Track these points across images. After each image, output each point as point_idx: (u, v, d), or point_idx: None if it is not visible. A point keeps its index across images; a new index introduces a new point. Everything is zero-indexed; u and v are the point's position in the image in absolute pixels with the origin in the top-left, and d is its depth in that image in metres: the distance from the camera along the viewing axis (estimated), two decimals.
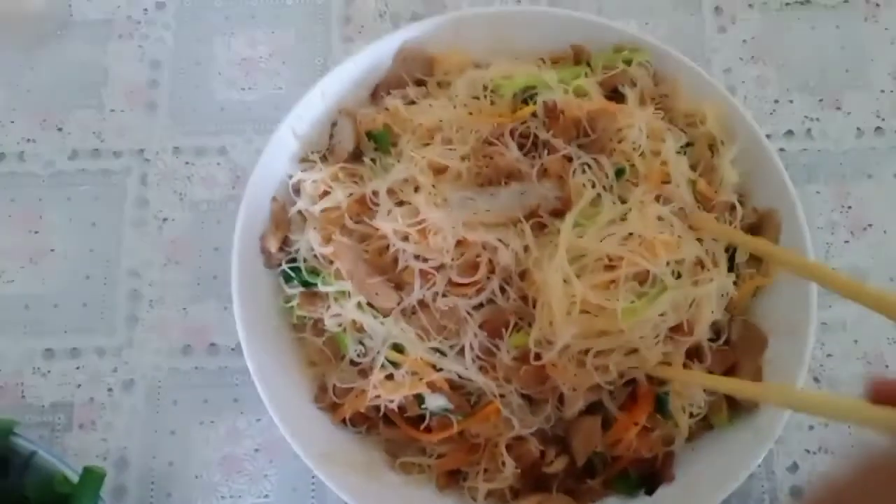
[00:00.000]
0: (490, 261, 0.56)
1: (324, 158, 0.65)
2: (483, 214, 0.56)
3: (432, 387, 0.57)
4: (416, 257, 0.58)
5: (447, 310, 0.57)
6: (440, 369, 0.58)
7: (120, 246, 0.72)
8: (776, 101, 0.76)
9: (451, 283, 0.57)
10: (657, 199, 0.59)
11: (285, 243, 0.64)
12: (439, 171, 0.60)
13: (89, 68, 0.77)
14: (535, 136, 0.59)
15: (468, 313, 0.57)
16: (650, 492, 0.59)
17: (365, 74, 0.68)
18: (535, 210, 0.56)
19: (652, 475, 0.59)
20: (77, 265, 0.71)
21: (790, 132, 0.75)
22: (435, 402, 0.58)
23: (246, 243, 0.63)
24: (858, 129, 0.75)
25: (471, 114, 0.63)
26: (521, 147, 0.60)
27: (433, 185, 0.59)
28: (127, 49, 0.78)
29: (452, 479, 0.60)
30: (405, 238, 0.58)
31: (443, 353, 0.58)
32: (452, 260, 0.57)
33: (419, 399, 0.58)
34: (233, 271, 0.61)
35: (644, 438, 0.59)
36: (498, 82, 0.64)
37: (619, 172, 0.59)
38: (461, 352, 0.57)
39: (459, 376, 0.58)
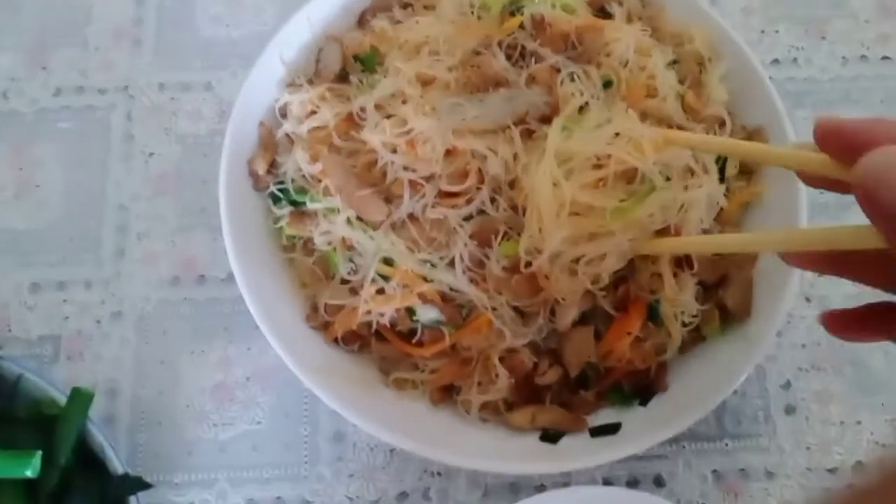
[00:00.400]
0: (479, 170, 0.56)
1: (310, 83, 0.65)
2: (472, 121, 0.56)
3: (423, 298, 0.57)
4: (405, 168, 0.57)
5: (437, 221, 0.57)
6: (431, 281, 0.57)
7: (106, 180, 0.71)
8: (762, 32, 0.77)
9: (440, 193, 0.57)
10: (642, 117, 0.59)
11: (273, 166, 0.64)
12: (427, 82, 0.60)
13: (73, 7, 0.77)
14: (523, 48, 0.59)
15: (458, 224, 0.57)
16: (644, 402, 0.59)
17: (350, 1, 0.67)
18: (524, 116, 0.56)
19: (645, 386, 0.59)
20: (63, 200, 0.70)
21: (776, 61, 0.76)
22: (426, 314, 0.58)
23: (234, 167, 0.62)
24: (844, 57, 0.76)
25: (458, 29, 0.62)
26: (508, 58, 0.60)
27: (421, 96, 0.58)
28: None
29: (446, 393, 0.60)
30: (394, 150, 0.58)
31: (433, 265, 0.58)
32: (441, 170, 0.56)
33: (410, 312, 0.58)
34: (220, 194, 0.60)
35: (637, 349, 0.59)
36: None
37: (607, 84, 0.59)
38: (452, 263, 0.57)
39: (451, 288, 0.58)
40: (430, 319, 0.58)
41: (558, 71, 0.59)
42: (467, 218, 0.58)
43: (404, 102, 0.59)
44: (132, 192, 0.71)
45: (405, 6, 0.67)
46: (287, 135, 0.64)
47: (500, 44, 0.60)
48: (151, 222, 0.70)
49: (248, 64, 0.73)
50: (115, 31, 0.76)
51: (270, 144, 0.64)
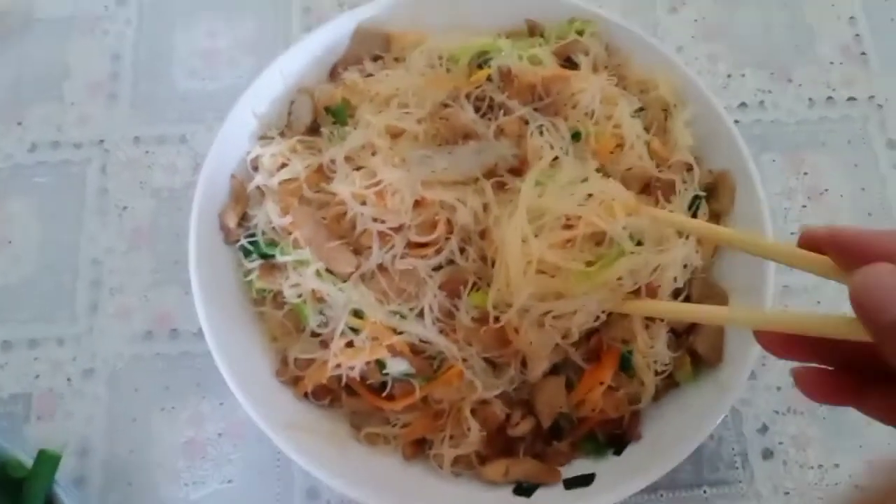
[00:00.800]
0: (448, 220, 0.56)
1: (282, 135, 0.66)
2: (441, 173, 0.57)
3: (393, 351, 0.57)
4: (375, 220, 0.57)
5: (406, 272, 0.57)
6: (401, 332, 0.57)
7: (80, 235, 0.71)
8: (728, 76, 0.78)
9: (409, 244, 0.57)
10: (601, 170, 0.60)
11: (244, 219, 0.64)
12: (396, 134, 0.60)
13: (50, 63, 0.77)
14: (491, 100, 0.60)
15: (428, 275, 0.57)
16: (618, 451, 0.59)
17: (323, 54, 0.68)
18: (493, 168, 0.57)
19: (619, 435, 0.59)
20: (36, 256, 0.70)
21: (743, 104, 0.77)
22: (396, 366, 0.57)
23: (204, 220, 0.62)
24: (810, 99, 0.77)
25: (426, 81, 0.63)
26: (477, 110, 0.61)
27: (390, 148, 0.59)
28: (88, 44, 0.78)
29: (418, 448, 0.59)
30: (363, 202, 0.58)
31: (402, 316, 0.57)
32: (410, 221, 0.57)
33: (380, 365, 0.58)
34: (190, 247, 0.60)
35: (610, 398, 0.58)
36: (453, 52, 0.64)
37: (576, 136, 0.60)
38: (421, 314, 0.57)
39: (420, 340, 0.57)
40: (400, 372, 0.57)
41: (527, 123, 0.60)
42: (437, 268, 0.58)
43: (374, 154, 0.60)
44: (106, 246, 0.71)
45: (376, 59, 0.68)
46: (258, 187, 0.64)
47: (468, 96, 0.61)
48: (125, 276, 0.70)
49: (223, 117, 0.73)
50: (91, 86, 0.76)
51: (242, 197, 0.64)
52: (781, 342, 0.42)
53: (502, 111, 0.60)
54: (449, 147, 0.59)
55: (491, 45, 0.64)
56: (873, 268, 0.34)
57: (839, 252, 0.39)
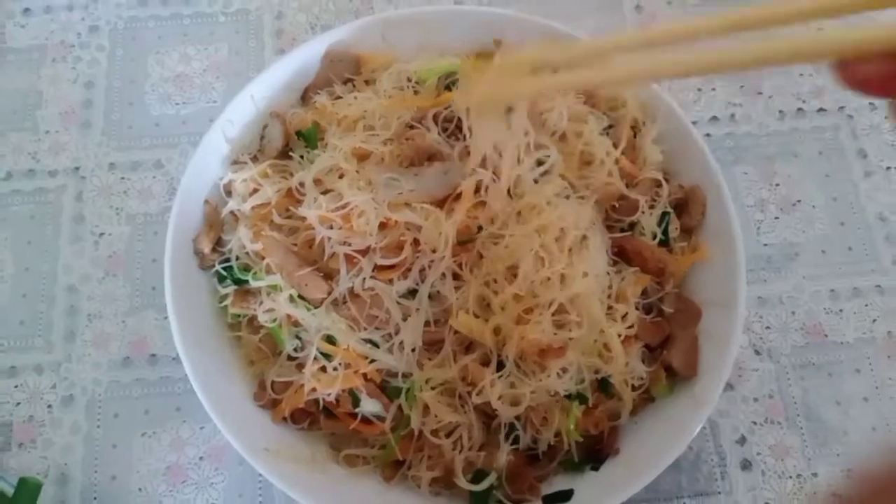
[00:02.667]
0: (415, 240, 0.57)
1: (255, 159, 0.66)
2: (408, 195, 0.57)
3: (366, 380, 0.57)
4: (342, 243, 0.58)
5: (376, 297, 0.57)
6: (372, 361, 0.58)
7: (57, 262, 0.71)
8: (699, 90, 0.79)
9: (377, 267, 0.57)
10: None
11: (219, 244, 0.64)
12: (363, 157, 0.61)
13: (24, 92, 0.78)
14: (459, 120, 0.61)
15: (395, 301, 0.57)
16: (596, 467, 0.59)
17: (294, 78, 0.69)
18: (458, 188, 0.57)
19: (597, 451, 0.59)
20: (13, 284, 0.70)
21: (715, 118, 0.78)
22: (369, 406, 0.58)
23: (179, 246, 0.63)
24: (781, 111, 0.78)
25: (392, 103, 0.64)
26: (444, 130, 0.61)
27: (356, 171, 0.59)
28: (61, 72, 0.78)
29: (397, 469, 0.59)
30: (330, 226, 0.58)
31: (375, 344, 0.58)
32: (376, 243, 0.57)
33: (354, 399, 0.58)
34: (166, 273, 0.61)
35: (589, 416, 0.59)
36: (422, 73, 0.65)
37: (540, 163, 0.60)
38: (393, 339, 0.57)
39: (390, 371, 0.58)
40: (372, 413, 0.58)
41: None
42: (410, 293, 0.58)
43: (341, 177, 0.60)
44: (82, 273, 0.71)
45: (346, 81, 0.68)
46: (232, 212, 0.64)
47: (435, 117, 0.61)
48: (102, 303, 0.70)
49: (197, 141, 0.74)
50: (64, 114, 0.77)
51: (216, 222, 0.64)
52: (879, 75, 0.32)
53: (469, 133, 0.60)
54: (415, 169, 0.59)
55: (458, 66, 0.65)
56: None
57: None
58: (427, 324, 0.57)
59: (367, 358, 0.58)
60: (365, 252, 0.57)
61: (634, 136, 0.66)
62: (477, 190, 0.57)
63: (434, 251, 0.56)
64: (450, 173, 0.58)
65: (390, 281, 0.57)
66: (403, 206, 0.57)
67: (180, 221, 0.63)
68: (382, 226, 0.57)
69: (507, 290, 0.55)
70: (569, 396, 0.57)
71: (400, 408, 0.58)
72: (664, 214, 0.63)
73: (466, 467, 0.57)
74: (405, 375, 0.58)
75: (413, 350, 0.57)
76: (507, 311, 0.55)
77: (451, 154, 0.59)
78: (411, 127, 0.61)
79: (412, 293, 0.58)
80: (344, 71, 0.68)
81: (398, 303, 0.57)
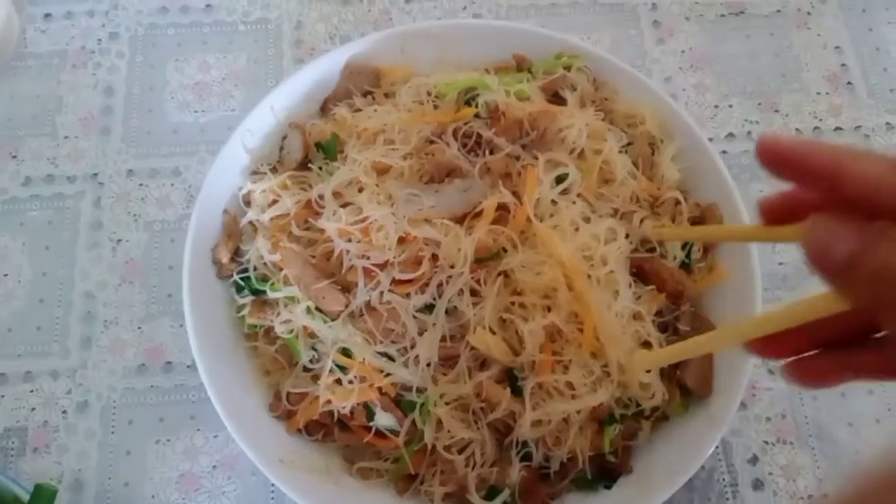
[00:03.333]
0: (434, 255, 0.57)
1: (274, 170, 0.66)
2: (428, 210, 0.57)
3: (381, 394, 0.58)
4: (361, 257, 0.58)
5: (393, 311, 0.57)
6: (388, 374, 0.58)
7: (74, 268, 0.71)
8: (716, 107, 0.79)
9: (395, 281, 0.58)
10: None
11: (237, 254, 0.64)
12: (382, 171, 0.61)
13: (43, 98, 0.78)
14: (478, 136, 0.61)
15: (412, 314, 0.57)
16: (609, 485, 0.59)
17: (313, 89, 0.69)
18: (479, 206, 0.57)
19: (611, 469, 0.59)
20: (30, 289, 0.71)
21: (731, 135, 0.78)
22: (384, 420, 0.58)
23: (198, 256, 0.63)
24: (797, 129, 0.78)
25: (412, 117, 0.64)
26: (464, 146, 0.61)
27: (376, 185, 0.60)
28: (81, 78, 0.79)
29: (410, 483, 0.60)
30: (349, 239, 0.58)
31: (390, 358, 0.58)
32: (395, 257, 0.57)
33: (368, 412, 0.58)
34: (184, 282, 0.61)
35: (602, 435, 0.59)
36: (441, 88, 0.65)
37: (561, 178, 0.61)
38: (409, 353, 0.58)
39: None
40: (385, 426, 0.58)
41: (517, 159, 0.60)
42: (427, 308, 0.58)
43: (360, 191, 0.60)
44: (99, 279, 0.71)
45: (366, 94, 0.69)
46: (251, 222, 0.65)
47: (455, 132, 0.62)
48: (118, 310, 0.70)
49: (216, 150, 0.74)
50: (84, 120, 0.77)
51: (234, 232, 0.65)
52: (767, 343, 0.42)
53: (490, 149, 0.60)
54: (435, 185, 0.59)
55: (478, 80, 0.65)
56: (812, 219, 0.35)
57: (780, 166, 0.39)
58: (443, 339, 0.57)
59: (382, 371, 0.58)
60: (383, 266, 0.57)
61: (652, 154, 0.66)
62: (499, 208, 0.57)
63: (452, 267, 0.56)
64: (470, 191, 0.58)
65: (407, 295, 0.57)
66: (423, 222, 0.57)
67: (199, 230, 0.63)
68: (401, 241, 0.57)
69: (538, 320, 0.55)
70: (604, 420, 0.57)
71: (414, 422, 0.58)
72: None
73: (479, 483, 0.57)
74: (420, 390, 0.58)
75: (428, 365, 0.57)
76: (533, 338, 0.55)
77: (471, 171, 0.59)
78: (431, 142, 0.61)
79: (429, 308, 0.58)
80: (363, 83, 0.69)
81: (414, 317, 0.57)
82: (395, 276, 0.57)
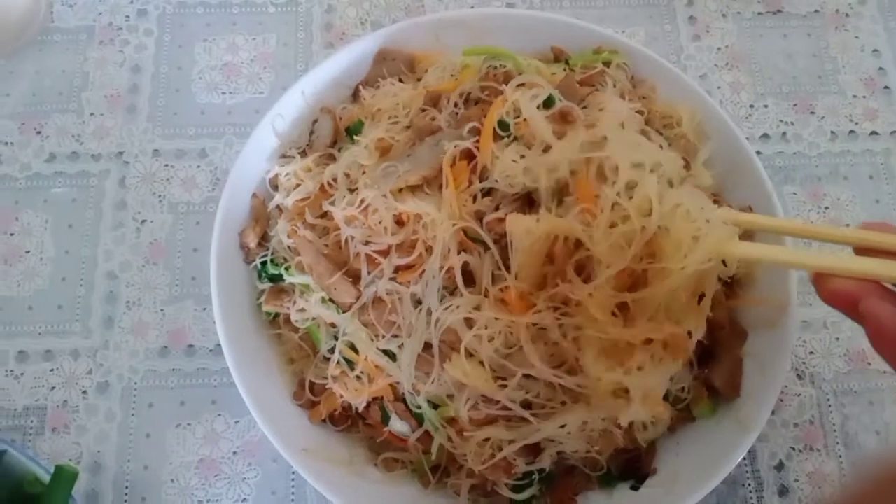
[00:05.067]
0: (425, 227, 0.55)
1: (303, 154, 0.65)
2: (404, 175, 0.56)
3: (397, 409, 0.57)
4: (364, 243, 0.57)
5: (397, 300, 0.56)
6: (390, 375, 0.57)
7: (97, 248, 0.71)
8: (751, 106, 0.78)
9: (397, 269, 0.56)
10: None
11: (264, 239, 0.64)
12: (386, 149, 0.60)
13: (70, 73, 0.77)
14: (469, 94, 0.61)
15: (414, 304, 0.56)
16: (636, 486, 0.58)
17: (345, 74, 0.68)
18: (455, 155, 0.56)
19: (635, 468, 0.59)
20: (53, 267, 0.70)
21: (766, 135, 0.77)
22: (398, 426, 0.58)
23: (225, 239, 0.62)
24: (832, 132, 0.77)
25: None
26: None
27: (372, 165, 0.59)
28: (108, 55, 0.78)
29: (435, 475, 0.59)
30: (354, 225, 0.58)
31: (392, 357, 0.57)
32: (393, 235, 0.56)
33: (384, 413, 0.58)
34: (212, 266, 0.60)
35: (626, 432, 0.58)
36: (467, 52, 0.65)
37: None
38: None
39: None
40: (400, 431, 0.58)
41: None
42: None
43: (364, 174, 0.59)
44: (123, 260, 0.70)
45: (400, 80, 0.68)
46: (277, 206, 0.64)
47: (462, 95, 0.61)
48: (141, 291, 0.69)
49: (242, 132, 0.74)
50: (110, 98, 0.76)
51: (262, 216, 0.64)
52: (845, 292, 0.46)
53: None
54: (408, 150, 0.58)
55: (505, 52, 0.64)
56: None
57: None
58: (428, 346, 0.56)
59: (383, 371, 0.57)
60: (385, 253, 0.56)
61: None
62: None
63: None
64: (440, 142, 0.56)
65: (408, 283, 0.56)
66: (408, 194, 0.56)
67: (228, 214, 0.62)
68: (400, 223, 0.56)
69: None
70: None
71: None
72: None
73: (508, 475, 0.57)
74: (436, 405, 0.57)
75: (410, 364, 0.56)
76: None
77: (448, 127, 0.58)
78: (423, 111, 0.61)
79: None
80: (396, 69, 0.68)
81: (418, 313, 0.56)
82: (396, 263, 0.56)
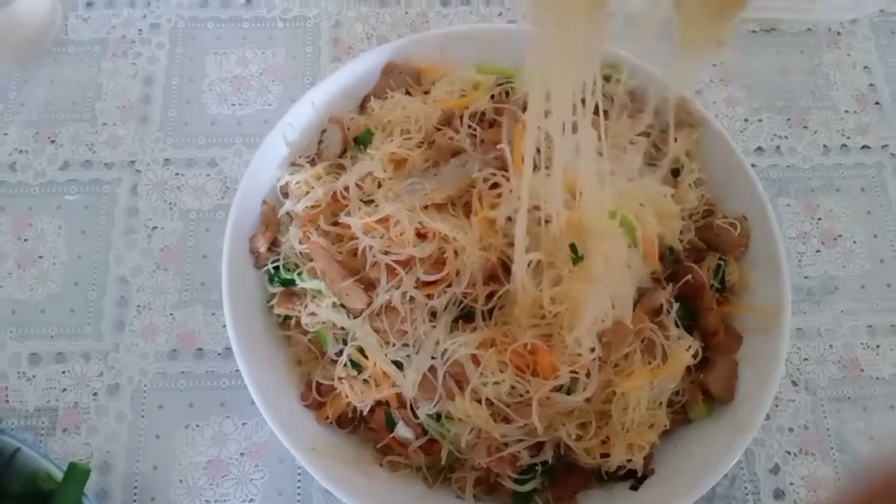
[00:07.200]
0: (456, 252, 0.57)
1: (312, 163, 0.67)
2: (431, 194, 0.58)
3: (404, 416, 0.59)
4: (384, 253, 0.59)
5: (411, 309, 0.57)
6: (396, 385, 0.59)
7: (109, 253, 0.72)
8: (746, 121, 0.80)
9: (419, 283, 0.58)
10: None
11: (274, 244, 0.65)
12: (400, 163, 0.62)
13: (84, 84, 0.79)
14: (483, 114, 0.63)
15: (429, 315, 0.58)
16: (635, 486, 0.60)
17: (352, 86, 0.70)
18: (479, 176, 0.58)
19: (631, 470, 0.60)
20: (65, 271, 0.72)
21: (760, 149, 0.79)
22: (404, 432, 0.59)
23: (236, 244, 0.64)
24: (825, 146, 0.79)
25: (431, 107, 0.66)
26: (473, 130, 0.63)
27: (390, 178, 0.61)
28: (121, 66, 0.80)
29: (440, 473, 0.60)
30: (373, 235, 0.59)
31: (399, 366, 0.58)
32: (417, 254, 0.57)
33: (389, 419, 0.59)
34: (223, 269, 0.62)
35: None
36: (481, 68, 0.67)
37: None
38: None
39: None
40: (404, 438, 0.59)
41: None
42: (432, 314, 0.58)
43: (380, 186, 0.61)
44: (134, 265, 0.72)
45: (407, 93, 0.70)
46: (287, 213, 0.66)
47: (473, 116, 0.63)
48: (152, 295, 0.71)
49: (251, 142, 0.76)
50: (123, 108, 0.78)
51: (272, 222, 0.66)
52: None
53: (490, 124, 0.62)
54: (435, 169, 0.60)
55: (515, 72, 0.66)
56: None
57: None
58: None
59: (390, 379, 0.59)
60: (405, 263, 0.58)
61: (675, 176, 0.67)
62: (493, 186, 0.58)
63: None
64: (467, 164, 0.58)
65: (430, 296, 0.58)
66: (434, 212, 0.57)
67: (239, 219, 0.64)
68: (421, 237, 0.58)
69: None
70: None
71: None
72: (719, 265, 0.64)
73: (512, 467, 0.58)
74: (448, 417, 0.58)
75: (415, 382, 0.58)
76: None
77: (469, 148, 0.60)
78: (438, 129, 0.63)
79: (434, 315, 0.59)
80: (403, 81, 0.70)
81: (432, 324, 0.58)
82: (419, 277, 0.58)
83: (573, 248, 0.55)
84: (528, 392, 0.55)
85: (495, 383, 0.55)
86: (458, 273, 0.58)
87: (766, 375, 0.60)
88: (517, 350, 0.55)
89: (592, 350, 0.55)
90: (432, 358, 0.56)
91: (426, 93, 0.70)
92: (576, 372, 0.55)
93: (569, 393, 0.56)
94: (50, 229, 0.73)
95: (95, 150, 0.76)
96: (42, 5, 0.79)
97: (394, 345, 0.58)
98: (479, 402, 0.56)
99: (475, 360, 0.55)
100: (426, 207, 0.58)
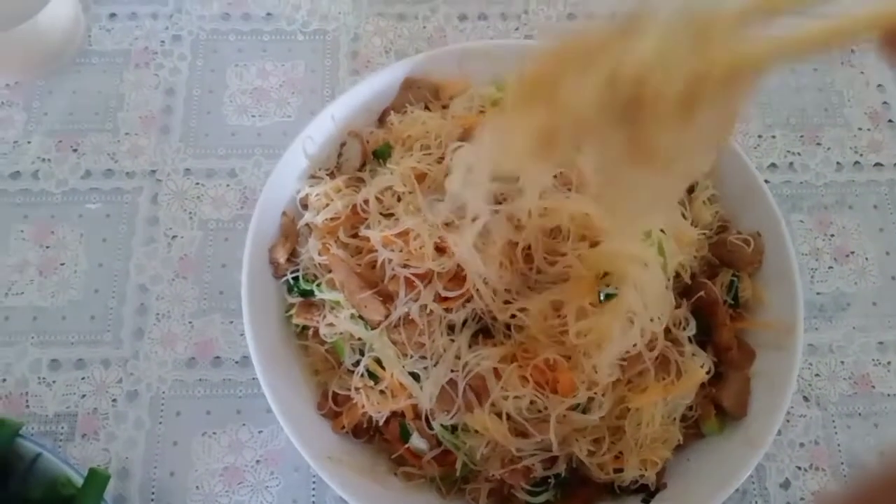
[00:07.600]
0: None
1: (332, 175, 0.68)
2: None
3: (419, 427, 0.60)
4: (403, 266, 0.59)
5: (429, 322, 0.58)
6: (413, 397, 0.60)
7: (129, 261, 0.74)
8: (759, 137, 0.81)
9: (438, 297, 0.59)
10: None
11: (293, 255, 0.66)
12: (421, 177, 0.63)
13: (106, 95, 0.81)
14: None
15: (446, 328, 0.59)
16: (648, 500, 0.60)
17: (372, 100, 0.71)
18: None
19: (643, 484, 0.60)
20: (86, 279, 0.73)
21: (773, 165, 0.80)
22: (416, 442, 0.60)
23: (256, 255, 0.65)
24: (838, 163, 0.80)
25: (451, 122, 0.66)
26: None
27: (410, 192, 0.62)
28: (143, 77, 0.81)
29: (454, 483, 0.61)
30: (392, 249, 0.60)
31: (416, 378, 0.59)
32: (438, 268, 0.58)
33: (403, 431, 0.60)
34: (243, 281, 0.63)
35: None
36: (495, 96, 0.67)
37: None
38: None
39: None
40: (418, 449, 0.60)
41: None
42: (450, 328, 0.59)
43: (399, 200, 0.62)
44: (153, 273, 0.73)
45: (426, 108, 0.71)
46: (307, 225, 0.67)
47: None
48: (171, 304, 0.72)
49: (271, 153, 0.77)
50: (144, 118, 0.79)
51: (291, 234, 0.67)
52: None
53: None
54: None
55: None
56: None
57: None
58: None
59: (406, 390, 0.59)
60: (424, 277, 0.59)
61: (689, 193, 0.67)
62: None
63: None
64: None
65: (448, 309, 0.58)
66: (455, 229, 0.58)
67: (259, 230, 0.65)
68: (441, 250, 0.59)
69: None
70: None
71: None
72: (732, 281, 0.65)
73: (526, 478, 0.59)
74: (464, 429, 0.59)
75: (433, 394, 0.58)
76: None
77: None
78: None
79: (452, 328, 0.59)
80: (422, 96, 0.71)
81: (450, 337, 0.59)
82: (439, 292, 0.58)
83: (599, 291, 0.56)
84: (545, 408, 0.56)
85: (516, 397, 0.56)
86: (477, 290, 0.58)
87: (778, 392, 0.61)
88: (538, 365, 0.56)
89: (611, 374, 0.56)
90: (452, 371, 0.57)
91: (444, 107, 0.71)
92: (593, 392, 0.56)
93: (584, 412, 0.57)
94: (71, 237, 0.74)
95: (117, 159, 0.78)
96: (66, 17, 0.80)
97: (411, 356, 0.59)
98: (499, 415, 0.56)
99: (496, 374, 0.56)
100: (447, 224, 0.59)
